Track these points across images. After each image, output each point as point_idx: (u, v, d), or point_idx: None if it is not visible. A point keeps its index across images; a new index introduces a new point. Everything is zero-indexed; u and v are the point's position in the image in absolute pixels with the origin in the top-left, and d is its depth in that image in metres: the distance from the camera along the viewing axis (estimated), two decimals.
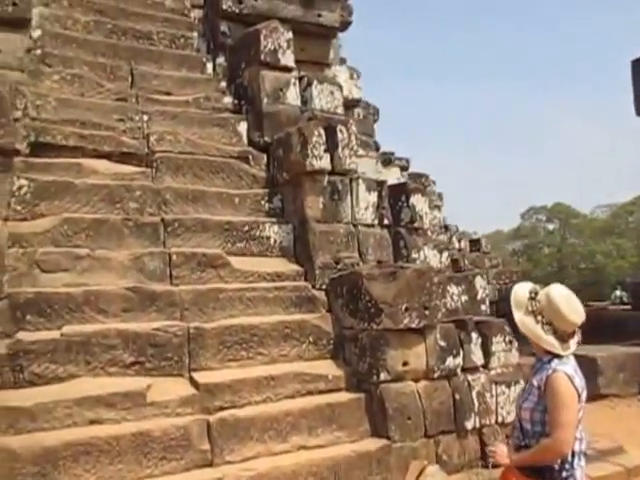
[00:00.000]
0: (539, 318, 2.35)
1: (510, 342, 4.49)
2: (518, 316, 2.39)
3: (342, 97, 5.55)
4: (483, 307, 4.77)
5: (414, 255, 4.95)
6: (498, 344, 4.44)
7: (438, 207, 7.79)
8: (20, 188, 4.11)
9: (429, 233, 6.27)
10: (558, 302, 2.33)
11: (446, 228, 9.83)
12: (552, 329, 2.33)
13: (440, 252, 5.53)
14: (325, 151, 4.64)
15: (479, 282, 4.78)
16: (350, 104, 6.22)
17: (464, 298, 4.66)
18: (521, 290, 2.42)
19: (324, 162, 4.62)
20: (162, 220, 4.35)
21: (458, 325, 4.30)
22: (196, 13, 6.23)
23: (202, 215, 4.52)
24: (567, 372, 2.26)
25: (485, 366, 4.38)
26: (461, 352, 4.22)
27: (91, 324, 3.68)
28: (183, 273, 4.18)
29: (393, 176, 6.28)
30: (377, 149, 6.86)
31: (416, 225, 5.01)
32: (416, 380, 4.01)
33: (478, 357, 4.32)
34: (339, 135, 4.68)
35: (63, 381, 3.42)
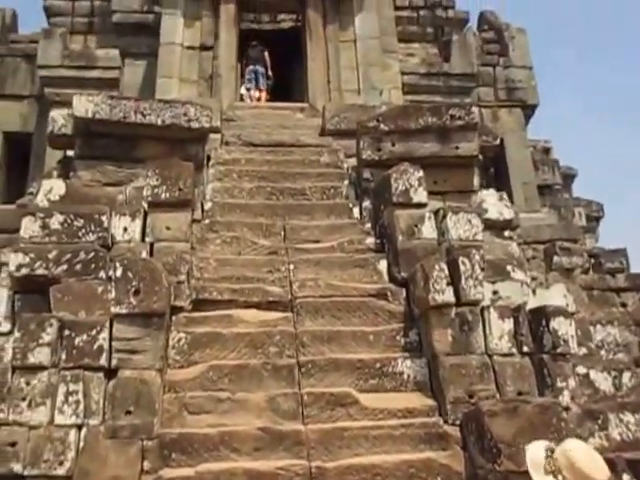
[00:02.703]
0: (559, 478, 2.21)
1: None
2: (537, 479, 2.26)
3: (481, 224, 5.60)
4: None
5: (560, 384, 4.64)
6: None
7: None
8: (179, 340, 4.85)
9: (602, 352, 5.80)
10: (577, 459, 2.17)
11: None
12: None
13: (614, 374, 5.11)
14: (448, 284, 4.73)
15: None
16: (501, 226, 6.19)
17: None
18: (536, 450, 2.30)
19: (447, 295, 4.70)
20: (297, 362, 4.74)
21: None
22: (349, 163, 6.87)
23: (335, 355, 4.83)
24: None
25: None
26: None
27: (224, 462, 4.11)
28: (313, 412, 4.46)
29: (557, 294, 5.98)
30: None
31: (560, 351, 4.73)
32: None
33: None
34: (461, 267, 4.76)
35: None
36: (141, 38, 10.79)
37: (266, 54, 10.77)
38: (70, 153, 6.81)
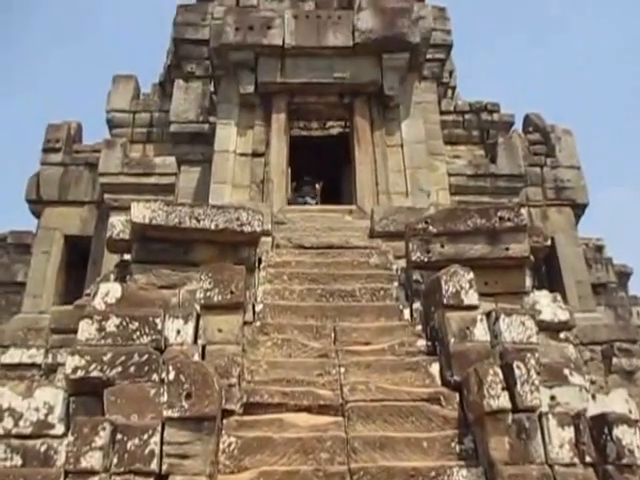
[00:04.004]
0: None
1: None
2: None
3: (535, 326, 5.49)
4: None
5: None
6: None
7: None
8: (230, 445, 4.78)
9: None
10: None
11: None
12: None
13: None
14: (503, 389, 4.60)
15: None
16: (556, 327, 6.06)
17: None
18: None
19: (502, 401, 4.56)
20: (349, 469, 4.60)
21: None
22: (398, 264, 6.91)
23: (388, 462, 4.67)
24: None
25: None
26: None
27: None
28: None
29: (618, 399, 5.73)
30: None
31: (625, 462, 4.47)
32: None
33: None
34: (516, 371, 4.64)
35: None
36: (196, 146, 11.39)
37: (317, 186, 11.31)
38: (127, 257, 7.06)
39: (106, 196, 11.06)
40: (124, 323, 5.42)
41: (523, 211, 6.39)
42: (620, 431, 4.58)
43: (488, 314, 5.59)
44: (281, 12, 10.38)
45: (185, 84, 11.97)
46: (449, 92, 13.23)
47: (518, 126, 13.02)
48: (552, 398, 4.96)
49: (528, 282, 6.23)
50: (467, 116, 12.64)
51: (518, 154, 11.48)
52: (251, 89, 10.03)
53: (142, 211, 6.35)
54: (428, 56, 11.09)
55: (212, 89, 11.82)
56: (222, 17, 10.46)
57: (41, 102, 50.48)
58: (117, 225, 6.92)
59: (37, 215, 11.63)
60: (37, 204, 11.57)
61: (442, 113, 12.05)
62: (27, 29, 51.42)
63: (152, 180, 11.13)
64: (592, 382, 6.64)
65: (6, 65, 50.58)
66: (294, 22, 10.13)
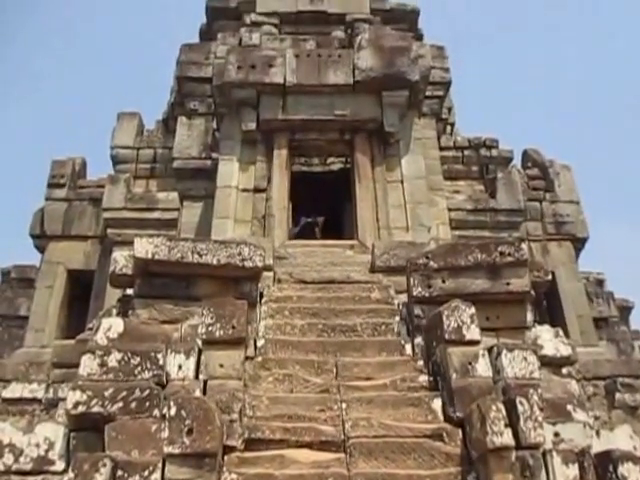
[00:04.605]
0: None
1: None
2: None
3: (538, 361, 5.49)
4: None
5: None
6: None
7: None
8: None
9: None
10: None
11: None
12: None
13: None
14: (506, 426, 4.58)
15: None
16: (558, 363, 6.05)
17: None
18: None
19: (505, 438, 4.52)
20: None
21: None
22: (400, 299, 6.93)
23: None
24: None
25: None
26: None
27: None
28: None
29: (623, 436, 5.69)
30: None
31: None
32: None
33: None
34: (519, 407, 4.63)
35: None
36: (198, 182, 11.50)
37: (317, 229, 11.43)
38: (129, 291, 7.09)
39: (109, 231, 11.14)
40: (126, 358, 5.43)
41: (523, 246, 6.43)
42: (625, 469, 4.55)
43: (490, 349, 5.59)
44: (283, 51, 10.58)
45: (188, 121, 12.14)
46: (448, 128, 13.39)
47: (517, 161, 13.17)
48: (556, 434, 4.95)
49: (529, 317, 6.24)
50: (466, 152, 12.79)
51: (517, 189, 11.58)
52: (253, 126, 10.17)
53: (145, 246, 6.39)
54: (427, 93, 11.28)
55: (215, 126, 11.99)
56: (225, 56, 10.67)
57: (46, 138, 51.12)
58: (120, 260, 6.96)
59: (41, 250, 11.71)
60: (41, 239, 11.66)
61: (441, 149, 12.19)
62: (32, 65, 52.25)
63: (155, 215, 11.23)
64: (596, 418, 6.60)
65: (12, 106, 51.36)
66: (295, 61, 10.32)
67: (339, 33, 12.41)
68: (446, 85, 12.31)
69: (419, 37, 13.05)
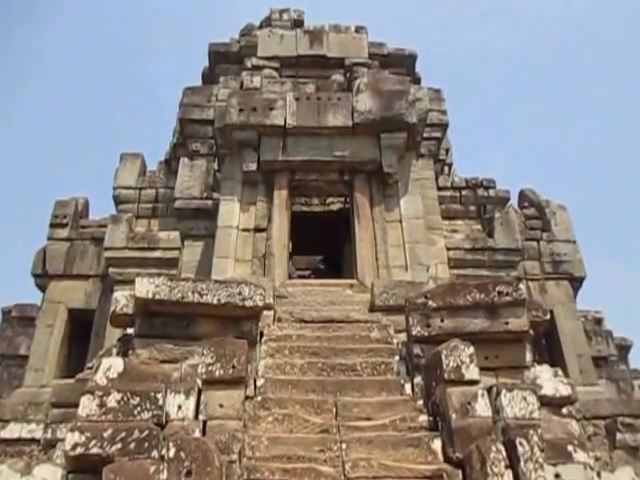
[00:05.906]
0: None
1: None
2: None
3: (537, 401, 5.48)
4: None
5: None
6: None
7: None
8: None
9: None
10: None
11: None
12: None
13: None
14: (506, 467, 4.58)
15: None
16: (558, 403, 6.04)
17: None
18: None
19: None
20: None
21: None
22: (399, 338, 6.96)
23: None
24: None
25: None
26: None
27: None
28: None
29: (624, 478, 5.67)
30: None
31: None
32: None
33: None
34: (519, 448, 4.63)
35: None
36: (199, 221, 11.62)
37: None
38: (130, 330, 7.11)
39: (111, 270, 11.21)
40: (125, 398, 5.42)
41: (522, 286, 6.49)
42: None
43: (489, 389, 5.59)
44: (283, 94, 10.81)
45: (190, 162, 12.32)
46: (446, 169, 13.60)
47: (513, 201, 13.32)
48: (557, 476, 4.93)
49: (528, 356, 6.25)
50: (464, 192, 12.96)
51: (515, 228, 11.71)
52: (254, 167, 10.33)
53: (146, 286, 6.44)
54: (425, 135, 11.48)
55: (216, 167, 12.18)
56: (226, 99, 10.91)
57: (50, 179, 51.63)
58: (121, 300, 7.00)
59: (42, 289, 11.76)
60: (42, 278, 11.73)
61: (439, 189, 12.37)
62: (38, 105, 52.99)
63: (156, 254, 11.32)
64: (597, 458, 6.56)
65: (19, 147, 51.98)
66: (295, 103, 10.54)
67: (338, 77, 12.71)
68: (443, 127, 12.56)
69: (417, 80, 13.35)
